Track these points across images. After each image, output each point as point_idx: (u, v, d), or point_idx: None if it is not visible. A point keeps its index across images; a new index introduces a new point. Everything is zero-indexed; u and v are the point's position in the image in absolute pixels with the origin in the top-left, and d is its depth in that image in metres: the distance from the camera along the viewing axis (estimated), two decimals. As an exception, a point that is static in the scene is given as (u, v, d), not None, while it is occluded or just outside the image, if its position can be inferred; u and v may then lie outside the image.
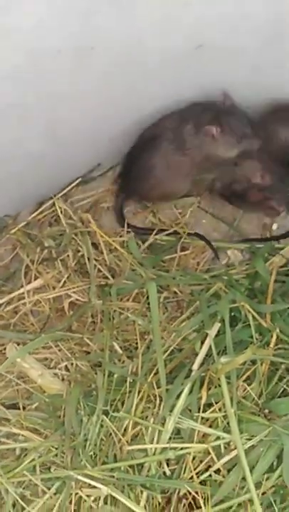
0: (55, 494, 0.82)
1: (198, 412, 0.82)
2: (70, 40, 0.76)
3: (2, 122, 0.86)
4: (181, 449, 0.80)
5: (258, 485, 0.78)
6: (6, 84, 0.79)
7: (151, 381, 0.85)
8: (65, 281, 1.02)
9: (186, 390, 0.82)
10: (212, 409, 0.82)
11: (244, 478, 0.78)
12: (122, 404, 0.86)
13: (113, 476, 0.79)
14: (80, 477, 0.79)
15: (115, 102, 0.94)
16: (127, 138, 1.04)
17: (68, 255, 1.03)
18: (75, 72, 0.83)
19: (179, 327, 0.91)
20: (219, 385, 0.82)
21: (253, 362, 0.85)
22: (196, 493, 0.79)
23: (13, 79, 0.78)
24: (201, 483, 0.79)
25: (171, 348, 0.89)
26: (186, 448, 0.80)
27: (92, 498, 0.79)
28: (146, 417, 0.83)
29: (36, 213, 1.08)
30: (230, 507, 0.78)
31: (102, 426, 0.84)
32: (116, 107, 0.96)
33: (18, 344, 0.96)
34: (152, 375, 0.86)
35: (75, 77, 0.84)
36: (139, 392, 0.85)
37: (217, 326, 0.86)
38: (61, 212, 1.06)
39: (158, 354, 0.85)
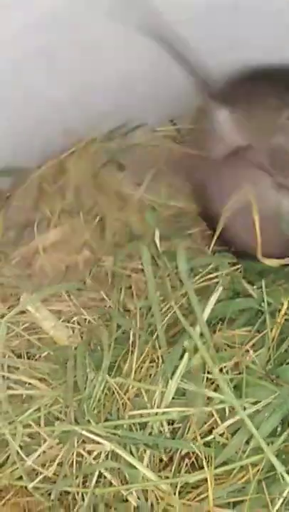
0: (57, 444, 0.78)
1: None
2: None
3: (29, 69, 0.80)
4: (185, 410, 0.76)
5: (259, 449, 0.73)
6: (32, 30, 0.73)
7: (154, 341, 0.80)
8: (81, 236, 0.96)
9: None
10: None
11: (248, 442, 0.73)
12: (126, 361, 0.81)
13: (115, 434, 0.75)
14: (84, 432, 0.75)
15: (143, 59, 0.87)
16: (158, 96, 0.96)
17: (88, 209, 0.98)
18: (107, 23, 0.76)
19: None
20: (225, 349, 0.79)
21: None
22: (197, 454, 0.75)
23: (39, 25, 0.72)
24: (204, 444, 0.75)
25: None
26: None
27: (94, 454, 0.75)
28: (150, 376, 0.79)
29: (45, 167, 1.01)
30: (232, 469, 0.74)
31: (107, 381, 0.79)
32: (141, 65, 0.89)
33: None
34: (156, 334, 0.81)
35: (106, 28, 0.77)
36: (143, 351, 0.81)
37: (220, 290, 0.81)
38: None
39: (155, 316, 0.80)
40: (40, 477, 0.77)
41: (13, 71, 0.79)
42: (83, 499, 0.77)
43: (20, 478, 0.79)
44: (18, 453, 0.79)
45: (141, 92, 0.96)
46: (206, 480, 0.72)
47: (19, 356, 0.88)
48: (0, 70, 0.78)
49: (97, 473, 0.75)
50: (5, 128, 0.90)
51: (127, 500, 0.75)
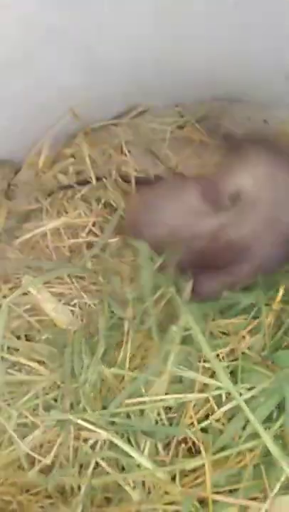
0: (54, 427, 0.77)
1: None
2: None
3: (38, 51, 0.78)
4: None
5: (256, 435, 0.71)
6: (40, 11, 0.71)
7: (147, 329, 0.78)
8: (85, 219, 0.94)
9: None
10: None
11: (244, 428, 0.71)
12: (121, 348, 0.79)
13: (113, 422, 0.73)
14: (79, 421, 0.73)
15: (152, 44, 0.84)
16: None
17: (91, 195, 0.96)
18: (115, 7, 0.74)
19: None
20: (220, 337, 0.77)
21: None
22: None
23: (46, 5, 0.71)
24: (201, 430, 0.73)
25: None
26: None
27: (91, 443, 0.73)
28: (145, 364, 0.77)
29: (50, 154, 0.98)
30: (230, 455, 0.71)
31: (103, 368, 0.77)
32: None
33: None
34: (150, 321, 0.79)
35: (115, 11, 0.75)
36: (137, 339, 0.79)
37: None
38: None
39: (149, 304, 0.78)
40: (38, 467, 0.76)
41: (24, 57, 0.77)
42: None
43: (18, 459, 0.78)
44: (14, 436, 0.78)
45: (147, 78, 0.93)
46: (202, 465, 0.70)
47: (19, 338, 0.87)
48: (12, 50, 0.76)
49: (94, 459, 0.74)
50: (7, 117, 0.87)
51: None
